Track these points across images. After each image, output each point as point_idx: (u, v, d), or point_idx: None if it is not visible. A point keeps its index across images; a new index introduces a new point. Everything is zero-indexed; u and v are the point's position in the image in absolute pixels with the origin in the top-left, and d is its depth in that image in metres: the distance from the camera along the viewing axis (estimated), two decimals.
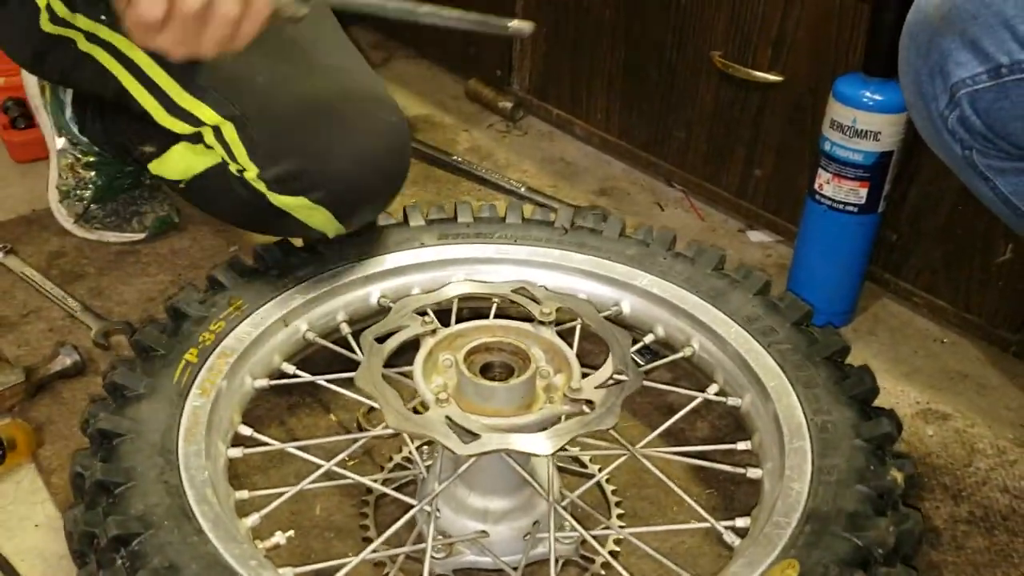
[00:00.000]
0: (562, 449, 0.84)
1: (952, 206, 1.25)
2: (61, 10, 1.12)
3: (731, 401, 1.02)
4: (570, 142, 1.78)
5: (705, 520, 0.89)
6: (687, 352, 1.08)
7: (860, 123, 1.17)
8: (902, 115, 1.15)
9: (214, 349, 0.99)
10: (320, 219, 1.07)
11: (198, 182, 1.17)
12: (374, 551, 0.88)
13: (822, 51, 1.33)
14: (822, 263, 1.29)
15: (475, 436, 0.82)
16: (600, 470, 1.05)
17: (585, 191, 1.66)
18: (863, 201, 1.21)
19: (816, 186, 1.24)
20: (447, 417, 0.84)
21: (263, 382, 1.02)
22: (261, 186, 1.05)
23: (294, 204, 1.05)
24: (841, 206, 1.23)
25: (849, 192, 1.21)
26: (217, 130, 1.07)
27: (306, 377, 1.03)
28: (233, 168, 1.07)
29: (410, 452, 1.05)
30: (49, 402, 1.16)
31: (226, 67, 0.99)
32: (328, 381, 1.03)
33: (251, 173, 1.05)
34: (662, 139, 1.63)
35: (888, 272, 1.38)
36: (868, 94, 1.16)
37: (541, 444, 0.82)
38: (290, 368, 1.05)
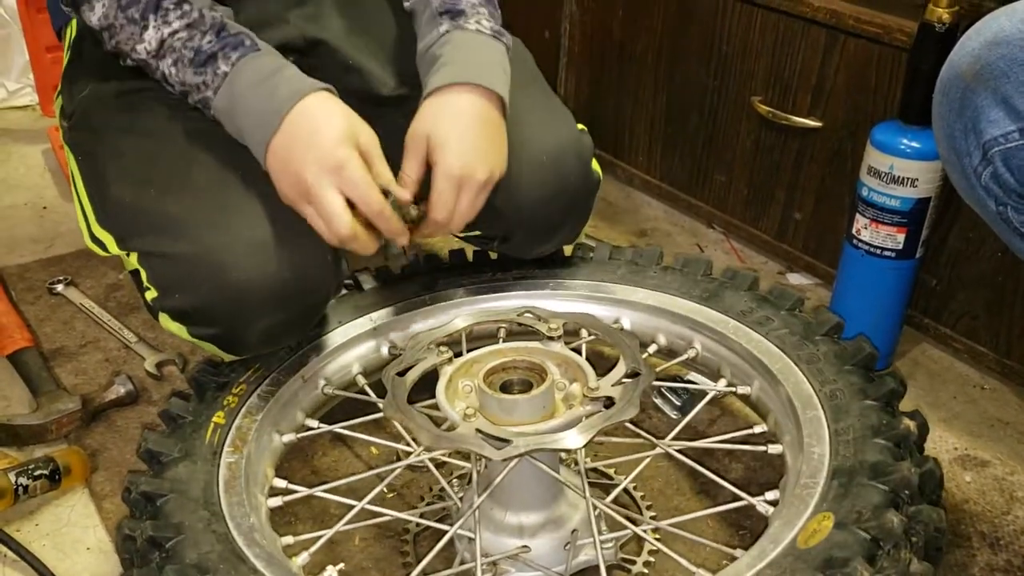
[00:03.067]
0: (593, 455, 0.88)
1: (993, 251, 1.24)
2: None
3: (741, 390, 1.06)
4: (611, 183, 1.80)
5: (739, 499, 0.92)
6: (691, 354, 1.13)
7: (897, 170, 1.16)
8: (939, 162, 1.12)
9: (239, 410, 1.02)
10: (208, 348, 1.04)
11: None
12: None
13: (861, 98, 1.34)
14: (860, 307, 1.28)
15: (506, 442, 0.85)
16: (626, 478, 1.08)
17: (625, 232, 1.70)
18: (900, 246, 1.22)
19: (854, 231, 1.25)
20: (477, 430, 0.87)
21: (290, 436, 1.05)
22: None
23: (178, 331, 1.04)
24: (878, 251, 1.23)
25: (886, 237, 1.22)
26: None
27: (328, 428, 1.06)
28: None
29: (442, 487, 1.07)
30: (104, 430, 1.20)
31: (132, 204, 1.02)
32: (348, 428, 1.06)
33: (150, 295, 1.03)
34: (703, 182, 1.66)
35: (928, 317, 1.37)
36: (905, 141, 1.15)
37: (572, 439, 0.85)
38: (313, 422, 1.08)
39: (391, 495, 1.11)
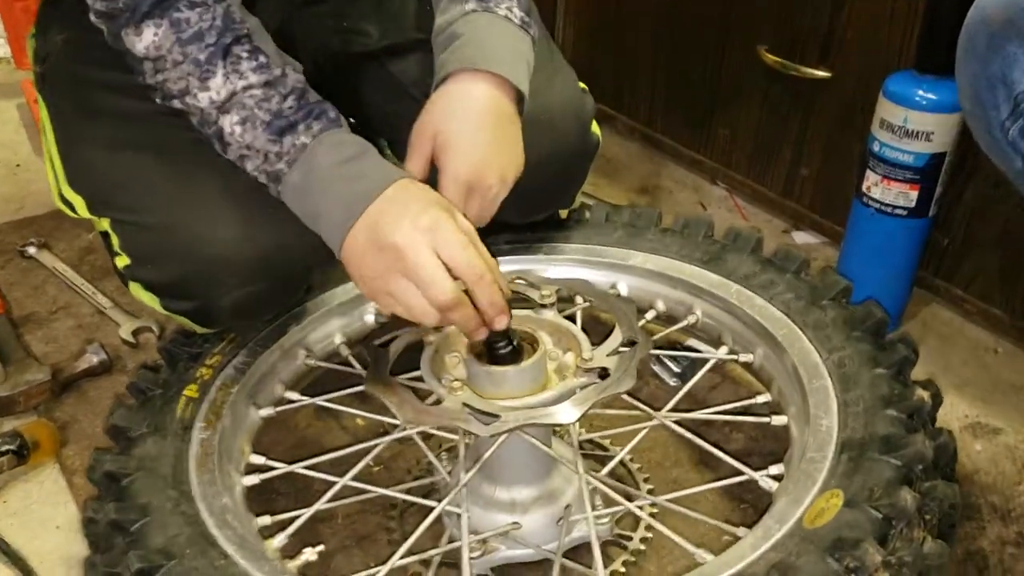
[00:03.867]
0: (586, 425, 0.83)
1: (1011, 209, 1.18)
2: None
3: (743, 358, 1.01)
4: (611, 138, 1.72)
5: (740, 474, 0.87)
6: (691, 320, 1.07)
7: (911, 123, 1.10)
8: (956, 115, 1.08)
9: (213, 383, 0.96)
10: (181, 320, 1.00)
11: None
12: (407, 553, 0.85)
13: (874, 47, 1.27)
14: (869, 267, 1.23)
15: (495, 417, 0.80)
16: (621, 450, 1.03)
17: (624, 189, 1.63)
18: (913, 204, 1.16)
19: (864, 188, 1.19)
20: (464, 404, 0.82)
21: (268, 411, 0.99)
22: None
23: (150, 302, 0.98)
24: (890, 209, 1.17)
25: (898, 195, 1.16)
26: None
27: (310, 400, 1.01)
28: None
29: (430, 461, 1.02)
30: (75, 401, 1.15)
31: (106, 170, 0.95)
32: (331, 401, 1.01)
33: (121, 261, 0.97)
34: (706, 136, 1.59)
35: (939, 278, 1.31)
36: (921, 92, 1.09)
37: (564, 413, 0.80)
38: (294, 395, 1.03)
39: (377, 468, 1.06)
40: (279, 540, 0.83)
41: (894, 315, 1.29)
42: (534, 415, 0.80)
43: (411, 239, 0.76)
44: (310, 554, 0.82)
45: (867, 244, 1.24)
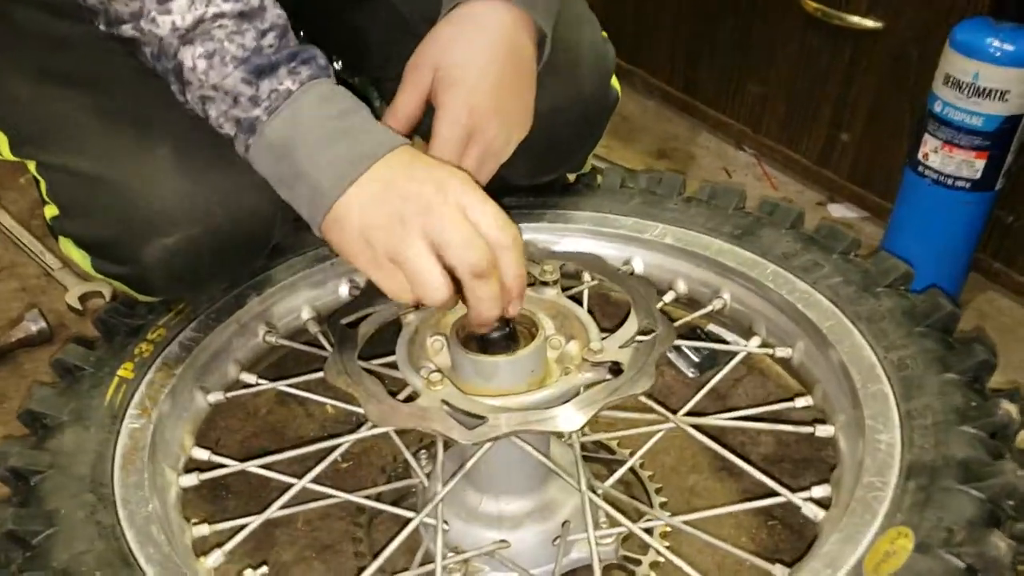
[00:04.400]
0: (590, 424, 0.68)
1: None
2: None
3: (780, 352, 0.86)
4: (628, 95, 1.56)
5: (774, 494, 0.72)
6: (717, 305, 0.92)
7: (984, 79, 0.96)
8: None
9: (154, 361, 0.82)
10: (116, 285, 0.86)
11: None
12: None
13: None
14: (920, 247, 1.08)
15: (480, 420, 0.65)
16: (631, 453, 0.89)
17: (641, 152, 1.49)
18: (978, 175, 1.02)
19: (920, 155, 1.05)
20: (443, 401, 0.67)
21: (217, 396, 0.85)
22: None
23: (80, 260, 0.85)
24: (950, 180, 1.03)
25: (962, 164, 1.02)
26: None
27: (268, 385, 0.86)
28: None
29: (407, 459, 0.88)
30: (7, 374, 1.04)
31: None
32: (294, 386, 0.86)
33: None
34: (734, 94, 1.47)
35: (998, 260, 1.19)
36: (996, 43, 0.95)
37: (565, 419, 0.65)
38: (251, 377, 0.88)
39: (346, 465, 0.92)
40: (214, 559, 0.68)
41: None
42: (529, 419, 0.65)
43: (436, 196, 0.64)
44: None
45: (919, 220, 1.10)
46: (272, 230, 0.84)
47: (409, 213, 0.63)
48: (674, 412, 0.80)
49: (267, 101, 0.66)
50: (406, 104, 0.75)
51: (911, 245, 1.10)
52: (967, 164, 1.01)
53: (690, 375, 1.09)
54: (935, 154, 1.03)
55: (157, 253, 0.78)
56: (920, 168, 1.05)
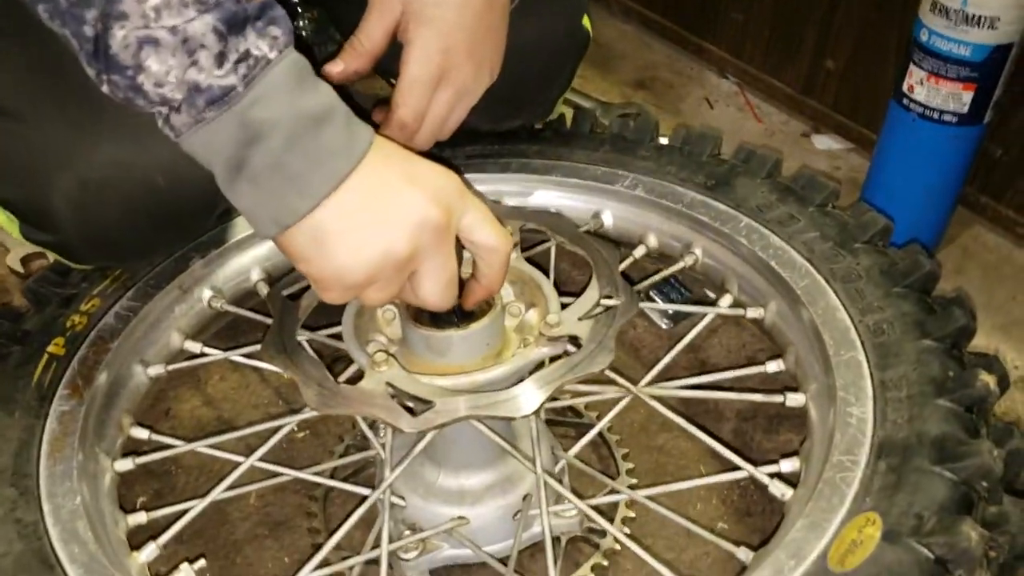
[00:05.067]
0: (548, 402, 0.63)
1: None
2: None
3: (751, 313, 0.82)
4: (605, 22, 1.51)
5: (737, 468, 0.69)
6: (689, 261, 0.87)
7: (972, 5, 0.91)
8: None
9: (88, 335, 0.77)
10: (50, 254, 0.81)
11: None
12: (324, 563, 0.67)
13: None
14: (905, 181, 1.05)
15: (427, 404, 0.61)
16: (598, 417, 0.85)
17: (618, 82, 1.42)
18: (966, 109, 0.96)
19: (905, 87, 0.99)
20: (388, 384, 0.62)
21: (158, 369, 0.80)
22: None
23: (6, 224, 0.79)
24: (937, 114, 0.98)
25: (949, 96, 0.96)
26: None
27: (215, 355, 0.82)
28: None
29: (363, 430, 0.84)
30: None
31: None
32: (246, 355, 0.81)
33: None
34: (715, 20, 1.40)
35: (986, 195, 1.14)
36: None
37: (519, 403, 0.61)
38: (195, 346, 0.83)
39: (302, 435, 0.88)
40: (147, 553, 0.65)
41: (932, 239, 1.11)
42: (479, 404, 0.61)
43: (430, 209, 0.56)
44: (187, 573, 0.64)
45: (905, 155, 1.05)
46: (217, 200, 0.78)
47: (399, 237, 0.55)
48: (645, 368, 0.76)
49: (241, 67, 0.52)
50: (370, 37, 0.69)
51: (895, 181, 1.06)
52: (954, 97, 0.96)
53: (663, 326, 1.05)
54: (920, 86, 0.98)
55: (92, 222, 0.72)
56: (905, 101, 1.00)
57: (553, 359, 0.66)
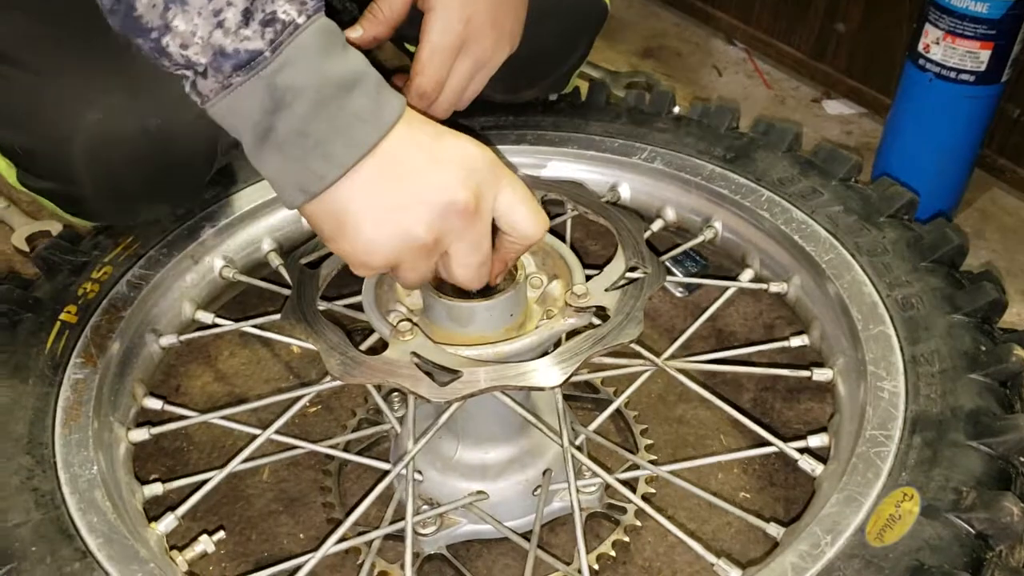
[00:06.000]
0: (574, 376, 0.62)
1: None
2: None
3: (774, 287, 0.81)
4: None
5: (765, 443, 0.68)
6: (708, 235, 0.86)
7: None
8: None
9: (100, 303, 0.75)
10: (44, 203, 0.80)
11: None
12: (342, 538, 0.66)
13: None
14: (922, 145, 1.03)
15: (454, 374, 0.60)
16: (616, 392, 0.84)
17: (626, 51, 1.40)
18: (983, 67, 0.94)
19: (921, 47, 0.97)
20: (413, 353, 0.61)
21: (171, 339, 0.78)
22: None
23: (5, 172, 0.79)
24: (954, 74, 0.96)
25: (966, 55, 0.94)
26: None
27: (228, 326, 0.80)
28: None
29: (376, 403, 0.83)
30: None
31: None
32: (257, 326, 0.80)
33: None
34: None
35: (1004, 157, 1.12)
36: None
37: (546, 374, 0.60)
38: (207, 316, 0.82)
39: (315, 409, 0.86)
40: (166, 524, 0.63)
41: (950, 204, 1.09)
42: (506, 374, 0.60)
43: (462, 191, 0.54)
44: (207, 544, 0.63)
45: (921, 116, 1.03)
46: (216, 155, 0.77)
47: (430, 215, 0.53)
48: (661, 336, 0.75)
49: (268, 31, 0.50)
50: (391, 4, 0.67)
51: (911, 144, 1.05)
52: (971, 55, 0.94)
53: (679, 295, 1.04)
54: (936, 45, 0.96)
55: (89, 171, 0.71)
56: (921, 61, 0.98)
57: (572, 333, 0.65)
